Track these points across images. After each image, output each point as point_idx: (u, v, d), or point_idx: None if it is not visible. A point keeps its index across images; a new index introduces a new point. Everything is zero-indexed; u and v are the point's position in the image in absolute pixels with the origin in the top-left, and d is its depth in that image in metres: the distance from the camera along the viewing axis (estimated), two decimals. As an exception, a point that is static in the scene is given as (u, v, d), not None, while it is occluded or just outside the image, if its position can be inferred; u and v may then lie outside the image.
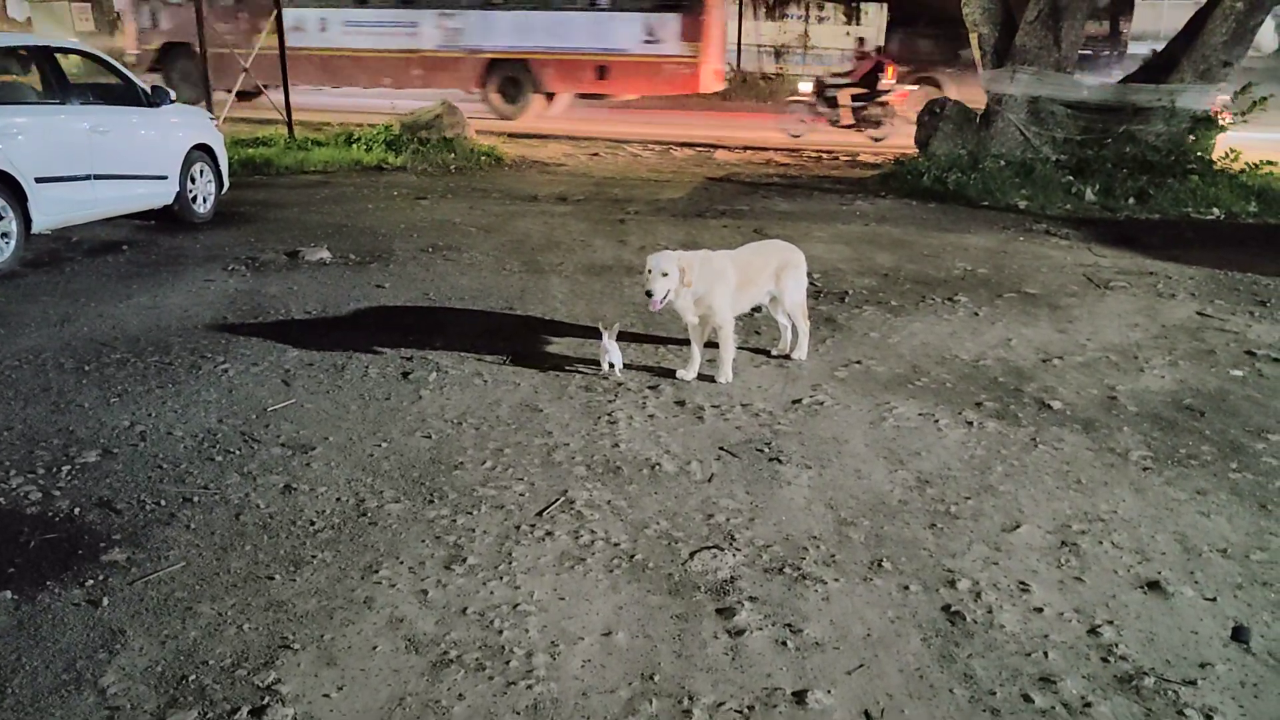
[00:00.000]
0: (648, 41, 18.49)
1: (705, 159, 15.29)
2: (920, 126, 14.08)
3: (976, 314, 6.83)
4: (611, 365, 5.36)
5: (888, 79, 16.97)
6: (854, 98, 16.98)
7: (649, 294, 5.01)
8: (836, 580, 3.43)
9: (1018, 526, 3.86)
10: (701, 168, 14.15)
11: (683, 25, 18.35)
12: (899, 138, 16.20)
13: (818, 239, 9.23)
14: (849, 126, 17.12)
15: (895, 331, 6.37)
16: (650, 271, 5.02)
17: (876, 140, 16.94)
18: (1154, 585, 3.44)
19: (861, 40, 21.83)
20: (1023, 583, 3.45)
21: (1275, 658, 3.05)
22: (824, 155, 16.03)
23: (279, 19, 14.47)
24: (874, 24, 27.13)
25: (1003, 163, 12.43)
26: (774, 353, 5.84)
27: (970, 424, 4.88)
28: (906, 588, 3.41)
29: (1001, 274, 8.05)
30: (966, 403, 5.16)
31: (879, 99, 16.89)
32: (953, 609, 3.28)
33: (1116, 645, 3.09)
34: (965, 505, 4.02)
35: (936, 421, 4.90)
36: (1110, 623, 3.21)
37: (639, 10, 18.39)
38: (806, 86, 17.77)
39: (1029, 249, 9.11)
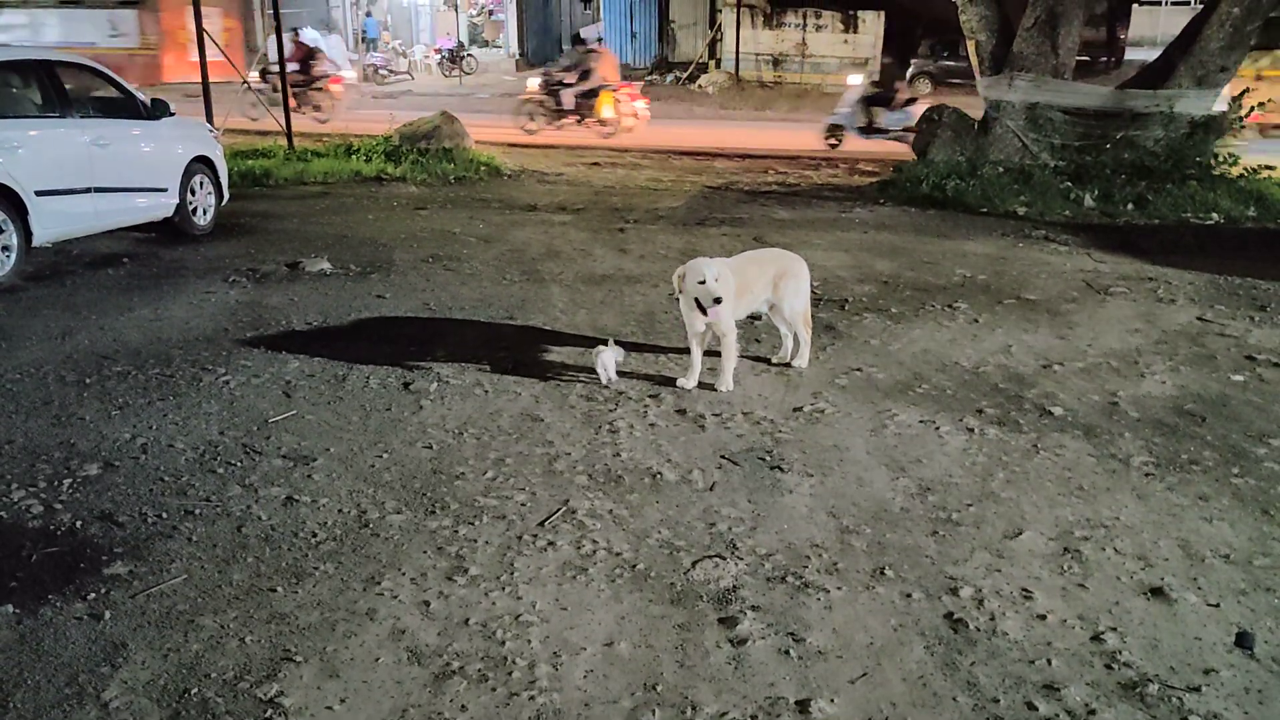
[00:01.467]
0: (113, 35, 20.13)
1: (705, 167, 15.31)
2: (919, 133, 14.10)
3: (976, 320, 6.84)
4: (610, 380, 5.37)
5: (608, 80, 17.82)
6: (578, 96, 17.58)
7: (718, 301, 4.94)
8: (839, 588, 3.43)
9: (1020, 533, 3.85)
10: (701, 176, 14.17)
11: (141, 20, 19.90)
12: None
13: (817, 246, 9.24)
14: (577, 122, 17.83)
15: (895, 338, 6.38)
16: (705, 281, 4.95)
17: (607, 136, 17.66)
18: (1157, 591, 3.44)
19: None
20: (1025, 590, 3.45)
21: (1279, 663, 3.05)
22: (823, 163, 16.05)
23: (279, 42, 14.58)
24: (871, 32, 27.22)
25: (1001, 169, 12.44)
26: (774, 361, 5.85)
27: (971, 431, 4.88)
28: (909, 595, 3.40)
29: (1001, 280, 8.05)
30: (967, 409, 5.16)
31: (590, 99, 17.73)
32: (955, 617, 3.28)
33: (1120, 652, 3.08)
34: (967, 512, 4.02)
35: (938, 428, 4.90)
36: (1114, 629, 3.20)
37: (103, 7, 19.74)
38: (534, 83, 18.28)
39: (1028, 255, 9.12)
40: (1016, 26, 12.83)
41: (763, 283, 5.49)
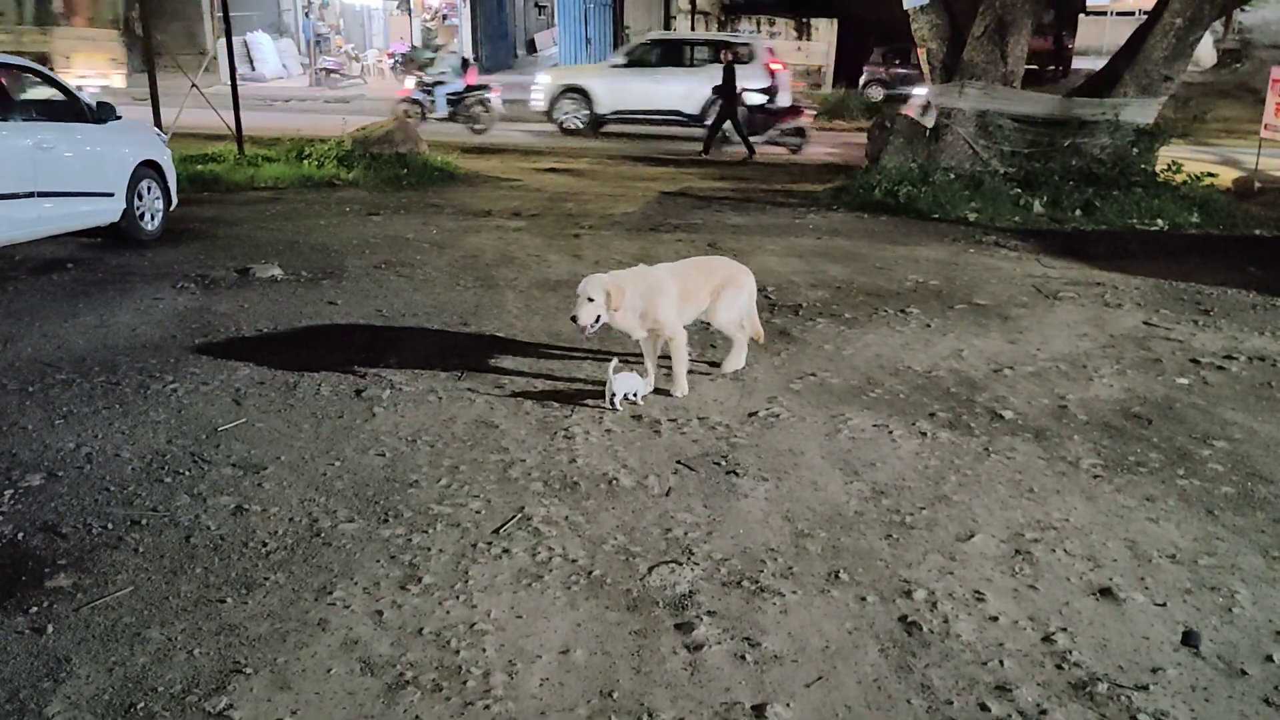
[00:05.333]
0: None
1: (660, 174, 15.33)
2: (871, 140, 14.24)
3: (928, 325, 6.91)
4: (628, 398, 5.16)
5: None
6: (449, 96, 18.84)
7: (573, 319, 4.98)
8: (794, 593, 3.44)
9: (972, 536, 3.89)
10: (655, 182, 14.19)
11: None
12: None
13: (771, 252, 9.29)
14: (447, 120, 18.90)
15: (849, 343, 6.42)
16: (578, 297, 4.98)
17: (478, 132, 18.64)
18: (1106, 592, 3.49)
19: None
20: (978, 592, 3.48)
21: (1225, 661, 3.11)
22: (776, 168, 16.15)
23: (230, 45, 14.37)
24: (825, 40, 27.47)
25: (952, 176, 12.60)
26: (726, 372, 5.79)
27: (924, 434, 4.93)
28: (863, 599, 3.42)
29: (952, 285, 8.15)
30: (920, 413, 5.21)
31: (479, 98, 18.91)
32: (909, 619, 3.30)
33: (1070, 652, 3.12)
34: (920, 515, 4.06)
35: (891, 432, 4.94)
36: (1064, 630, 3.25)
37: None
38: (410, 82, 19.41)
39: (979, 261, 9.24)
40: (966, 35, 13.01)
41: (706, 290, 5.44)
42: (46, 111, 8.30)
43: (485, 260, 8.64)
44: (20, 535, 3.68)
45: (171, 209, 9.61)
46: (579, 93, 19.75)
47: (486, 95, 18.74)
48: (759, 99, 17.76)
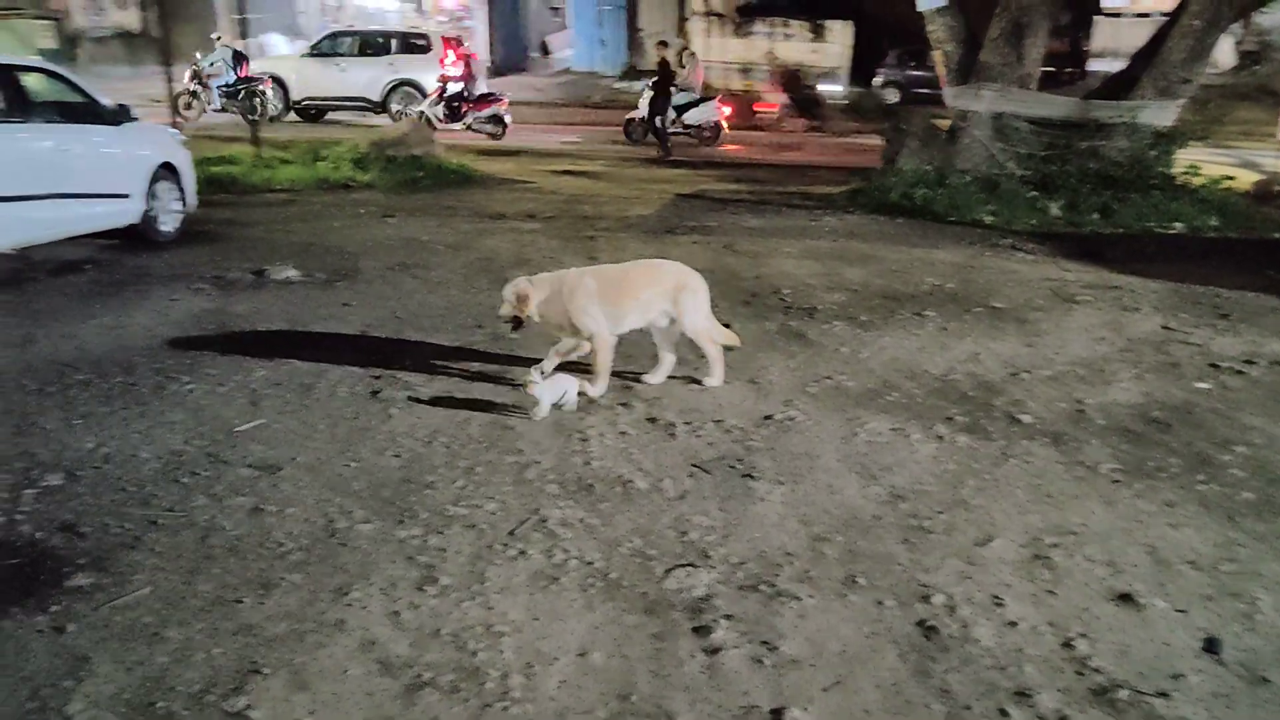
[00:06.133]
0: None
1: (676, 176, 15.32)
2: (887, 142, 14.19)
3: (945, 329, 6.88)
4: (557, 406, 5.02)
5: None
6: (222, 89, 19.45)
7: (499, 318, 5.32)
8: (811, 597, 3.43)
9: (990, 540, 3.87)
10: (671, 184, 14.18)
11: None
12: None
13: (787, 255, 9.27)
14: (221, 111, 19.34)
15: (865, 346, 6.40)
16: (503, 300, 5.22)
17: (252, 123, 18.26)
18: (1126, 598, 3.46)
19: None
20: (996, 597, 3.46)
21: (1246, 668, 3.08)
22: (793, 170, 16.13)
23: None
24: (840, 41, 27.42)
25: (969, 178, 12.54)
26: (646, 379, 5.55)
27: (941, 438, 4.91)
28: (881, 603, 3.41)
29: (969, 289, 8.12)
30: (937, 417, 5.19)
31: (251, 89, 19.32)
32: (928, 624, 3.28)
33: (1090, 658, 3.10)
34: (938, 520, 4.04)
35: (908, 436, 4.92)
36: (1084, 635, 3.22)
37: None
38: (187, 76, 19.46)
39: (996, 264, 9.20)
40: (982, 37, 12.96)
41: (655, 295, 5.29)
42: (65, 114, 8.35)
43: (500, 262, 8.64)
44: (40, 534, 3.70)
45: (189, 210, 9.65)
46: (277, 81, 20.60)
47: (259, 87, 19.35)
48: (457, 87, 19.03)
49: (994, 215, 11.56)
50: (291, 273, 7.95)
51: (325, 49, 21.66)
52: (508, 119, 19.07)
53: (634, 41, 32.31)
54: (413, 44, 21.51)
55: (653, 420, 5.03)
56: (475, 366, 5.77)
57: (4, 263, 7.92)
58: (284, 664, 2.96)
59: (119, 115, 8.63)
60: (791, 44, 27.80)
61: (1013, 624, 3.29)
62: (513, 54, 34.41)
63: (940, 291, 7.99)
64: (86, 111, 8.47)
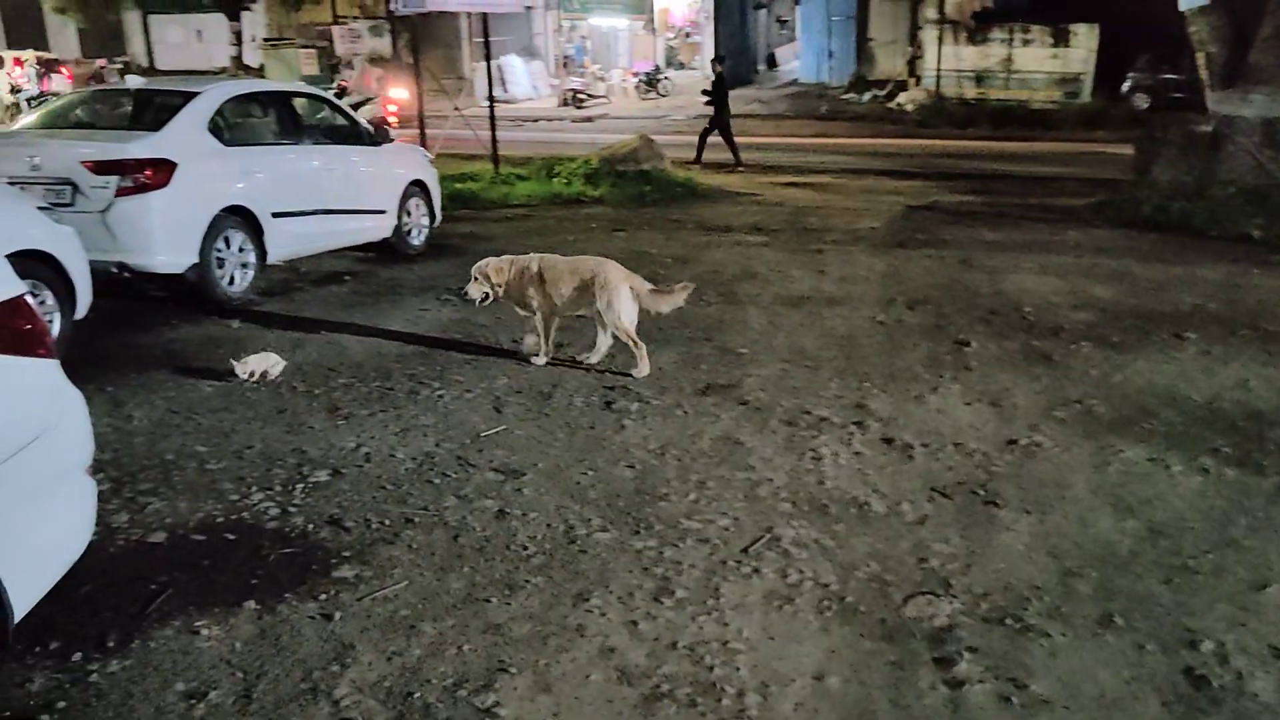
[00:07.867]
0: None
1: (906, 187, 14.94)
2: (1139, 152, 13.30)
3: (1208, 352, 6.36)
4: (253, 375, 5.76)
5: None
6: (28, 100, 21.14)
7: (464, 295, 6.16)
8: (1064, 634, 3.24)
9: (1266, 586, 3.55)
10: (901, 196, 13.84)
11: None
12: None
13: (1027, 270, 8.85)
14: None
15: (1117, 370, 6.01)
16: (473, 278, 6.01)
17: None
18: None
19: None
20: (1275, 647, 3.17)
21: None
22: (1033, 181, 15.38)
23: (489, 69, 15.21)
24: (1084, 46, 25.93)
25: (1233, 189, 11.56)
26: (581, 359, 6.17)
27: (1207, 471, 4.53)
28: (1142, 646, 3.18)
29: (1235, 309, 7.47)
30: (1202, 448, 4.80)
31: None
32: (1196, 672, 3.04)
33: (1394, 727, 2.78)
34: (1205, 560, 3.73)
35: (1168, 467, 4.58)
36: (1385, 700, 2.89)
37: None
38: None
39: (1266, 283, 8.43)
40: (1251, 36, 11.93)
41: (577, 284, 5.88)
42: (329, 135, 9.05)
43: (727, 275, 8.68)
44: (310, 526, 4.01)
45: (435, 225, 10.23)
46: None
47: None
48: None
49: (1262, 229, 10.58)
50: (529, 285, 8.26)
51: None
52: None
53: (863, 52, 31.80)
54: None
55: (889, 441, 4.91)
56: (704, 380, 5.81)
57: (275, 274, 8.64)
58: (529, 665, 3.07)
59: (378, 136, 9.28)
60: (1030, 50, 26.49)
61: (1297, 681, 2.99)
62: (739, 67, 34.58)
63: (1202, 312, 7.40)
64: (349, 133, 9.15)
